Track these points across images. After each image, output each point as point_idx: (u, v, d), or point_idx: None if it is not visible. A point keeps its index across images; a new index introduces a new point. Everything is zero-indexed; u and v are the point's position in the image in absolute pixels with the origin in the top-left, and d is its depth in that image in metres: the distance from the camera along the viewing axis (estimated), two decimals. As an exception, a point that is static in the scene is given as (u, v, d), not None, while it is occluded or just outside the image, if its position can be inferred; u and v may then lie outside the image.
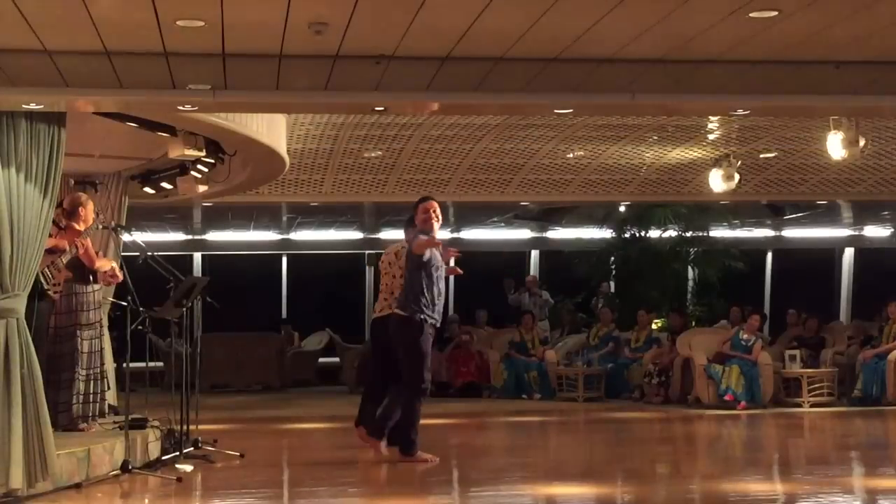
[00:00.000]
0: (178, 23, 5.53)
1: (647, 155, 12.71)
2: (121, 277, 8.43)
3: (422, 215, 8.31)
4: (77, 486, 7.00)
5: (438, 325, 8.39)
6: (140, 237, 9.10)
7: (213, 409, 11.57)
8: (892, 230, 20.45)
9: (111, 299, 9.08)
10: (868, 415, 12.10)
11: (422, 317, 8.11)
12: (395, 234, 19.97)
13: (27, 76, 6.30)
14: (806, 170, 13.42)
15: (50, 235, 7.53)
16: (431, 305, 8.17)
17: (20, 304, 6.76)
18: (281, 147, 9.68)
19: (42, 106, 6.64)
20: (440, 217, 8.34)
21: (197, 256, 19.92)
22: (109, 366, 9.09)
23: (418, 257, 8.15)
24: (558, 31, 5.84)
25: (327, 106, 8.25)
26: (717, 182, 12.71)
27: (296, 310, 19.84)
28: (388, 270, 9.00)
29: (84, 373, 8.22)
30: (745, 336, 13.01)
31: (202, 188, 10.31)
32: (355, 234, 19.89)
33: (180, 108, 7.05)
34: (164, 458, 8.04)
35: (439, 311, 8.31)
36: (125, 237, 9.15)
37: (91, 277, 8.34)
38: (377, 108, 7.48)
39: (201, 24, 5.55)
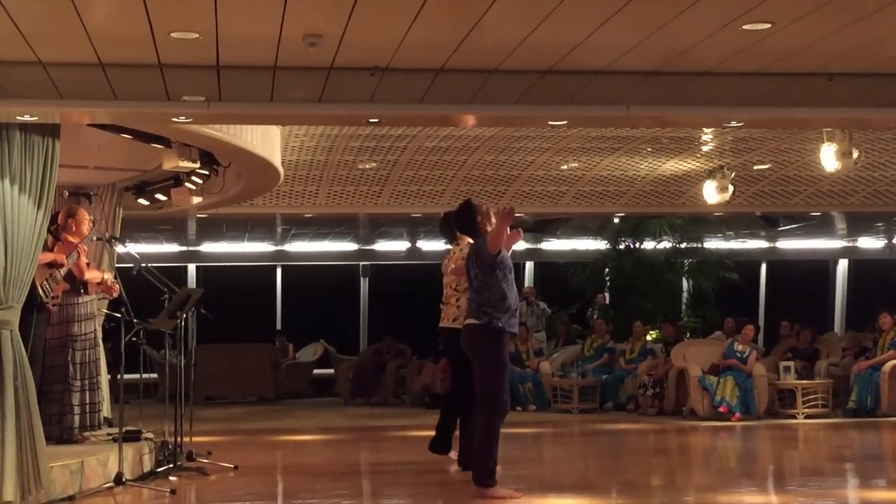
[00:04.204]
0: (172, 35, 5.53)
1: (642, 166, 12.73)
2: (117, 291, 8.42)
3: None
4: (70, 498, 6.97)
5: (516, 334, 7.75)
6: (134, 248, 9.08)
7: (207, 421, 11.56)
8: (886, 241, 20.48)
9: (105, 311, 9.07)
10: (862, 426, 12.09)
11: (500, 324, 7.34)
12: (390, 246, 20.06)
13: (21, 88, 6.31)
14: (800, 181, 13.43)
15: (48, 248, 7.53)
16: (510, 312, 7.39)
17: (14, 316, 6.75)
18: (275, 158, 9.68)
19: (36, 117, 6.65)
20: None
21: (191, 268, 19.91)
22: (104, 377, 9.08)
23: (493, 257, 7.26)
24: (552, 44, 5.86)
25: (322, 117, 8.25)
26: (712, 193, 12.72)
27: (290, 321, 19.82)
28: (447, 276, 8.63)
29: (78, 384, 8.21)
30: (740, 347, 13.01)
31: (196, 199, 10.30)
32: (350, 246, 19.87)
33: (175, 119, 7.05)
34: (157, 470, 8.03)
35: (517, 320, 7.66)
36: (119, 248, 9.13)
37: (82, 289, 8.33)
38: (371, 120, 7.49)
39: (196, 36, 5.56)
